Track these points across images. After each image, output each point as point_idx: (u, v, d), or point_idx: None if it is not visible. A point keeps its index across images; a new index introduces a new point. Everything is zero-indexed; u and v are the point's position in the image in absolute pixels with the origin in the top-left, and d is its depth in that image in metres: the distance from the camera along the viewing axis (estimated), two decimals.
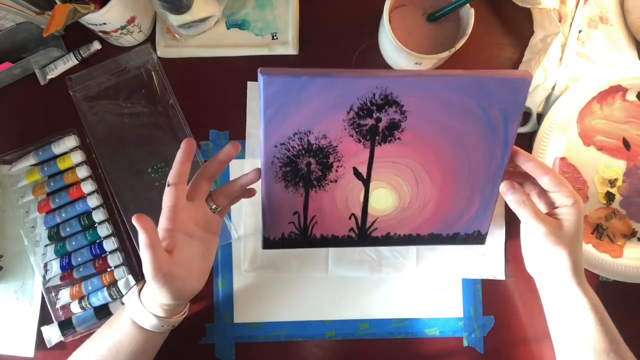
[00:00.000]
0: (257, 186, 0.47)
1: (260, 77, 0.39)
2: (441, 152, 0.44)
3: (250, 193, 0.50)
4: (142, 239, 0.39)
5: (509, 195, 0.47)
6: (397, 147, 0.42)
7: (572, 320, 0.48)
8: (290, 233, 0.48)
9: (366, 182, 0.44)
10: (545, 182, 0.46)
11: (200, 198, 0.46)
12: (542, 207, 0.49)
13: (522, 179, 0.50)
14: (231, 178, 0.59)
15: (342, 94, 0.39)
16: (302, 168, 0.43)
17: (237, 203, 0.58)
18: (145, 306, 0.45)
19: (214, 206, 0.47)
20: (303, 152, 0.42)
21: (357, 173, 0.43)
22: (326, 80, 0.38)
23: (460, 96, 0.40)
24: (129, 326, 0.46)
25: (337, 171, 0.44)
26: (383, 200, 0.45)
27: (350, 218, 0.47)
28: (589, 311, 0.46)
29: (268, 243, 0.49)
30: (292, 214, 0.47)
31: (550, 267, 0.48)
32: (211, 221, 0.47)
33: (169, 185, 0.43)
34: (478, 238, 0.50)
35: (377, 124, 0.41)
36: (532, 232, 0.47)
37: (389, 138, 0.42)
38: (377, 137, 0.41)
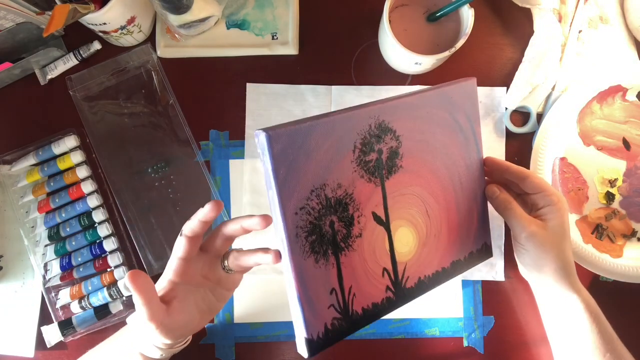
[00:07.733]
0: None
1: (264, 135, 0.36)
2: (436, 169, 0.47)
3: (274, 258, 0.41)
4: (137, 299, 0.39)
5: (494, 199, 0.50)
6: (401, 176, 0.45)
7: (566, 322, 0.48)
8: (333, 321, 0.42)
9: (387, 225, 0.45)
10: (526, 184, 0.48)
11: (214, 253, 0.45)
12: (527, 211, 0.50)
13: (504, 187, 0.51)
14: (231, 181, 0.58)
15: (344, 133, 0.41)
16: (327, 231, 0.41)
17: (238, 205, 0.58)
18: (148, 339, 0.44)
19: (225, 263, 0.44)
20: (323, 210, 0.41)
21: (376, 217, 0.44)
22: (327, 121, 0.39)
23: (435, 110, 0.46)
24: (130, 350, 0.45)
25: (359, 222, 0.43)
26: (405, 240, 0.46)
27: (383, 275, 0.46)
28: (583, 311, 0.46)
29: (313, 346, 0.41)
30: (329, 294, 0.43)
31: (540, 270, 0.48)
32: (224, 280, 0.46)
33: (181, 236, 0.41)
34: (486, 251, 0.53)
35: (380, 156, 0.43)
36: (518, 235, 0.48)
37: (393, 168, 0.44)
38: (383, 171, 0.44)
